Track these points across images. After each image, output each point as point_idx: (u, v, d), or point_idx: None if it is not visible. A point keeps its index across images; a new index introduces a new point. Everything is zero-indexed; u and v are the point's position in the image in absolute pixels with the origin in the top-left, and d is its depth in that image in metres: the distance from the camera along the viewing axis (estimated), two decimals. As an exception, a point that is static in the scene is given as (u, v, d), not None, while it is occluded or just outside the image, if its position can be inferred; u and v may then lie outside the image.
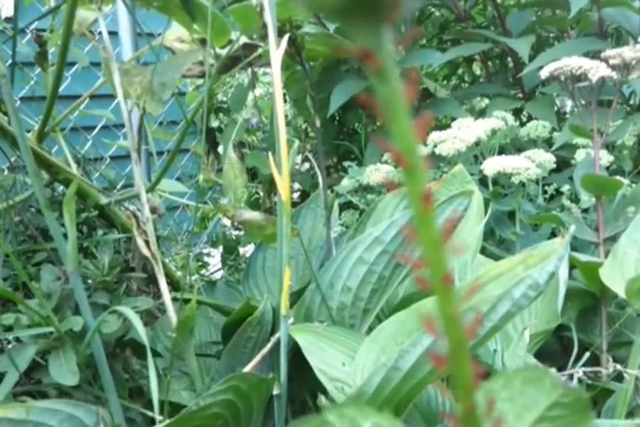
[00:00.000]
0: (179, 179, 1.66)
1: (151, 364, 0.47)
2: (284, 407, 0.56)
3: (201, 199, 1.51)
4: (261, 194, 1.58)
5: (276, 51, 0.51)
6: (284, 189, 0.52)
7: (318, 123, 0.72)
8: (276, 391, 0.56)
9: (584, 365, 0.67)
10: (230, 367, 0.58)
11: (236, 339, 0.58)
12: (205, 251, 1.52)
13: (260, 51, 0.70)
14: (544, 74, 0.80)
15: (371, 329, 0.61)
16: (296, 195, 1.67)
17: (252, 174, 1.61)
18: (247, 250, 1.45)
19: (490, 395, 0.21)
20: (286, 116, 1.73)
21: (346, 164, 1.33)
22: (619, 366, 0.57)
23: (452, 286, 0.16)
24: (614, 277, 0.72)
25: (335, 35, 0.78)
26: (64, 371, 0.54)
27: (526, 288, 0.38)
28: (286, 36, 0.53)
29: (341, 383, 0.50)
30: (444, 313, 0.16)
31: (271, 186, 1.53)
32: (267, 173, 1.43)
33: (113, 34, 0.82)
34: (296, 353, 0.58)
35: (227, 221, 1.57)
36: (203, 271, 1.42)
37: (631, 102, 1.30)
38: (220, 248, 1.49)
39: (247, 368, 0.55)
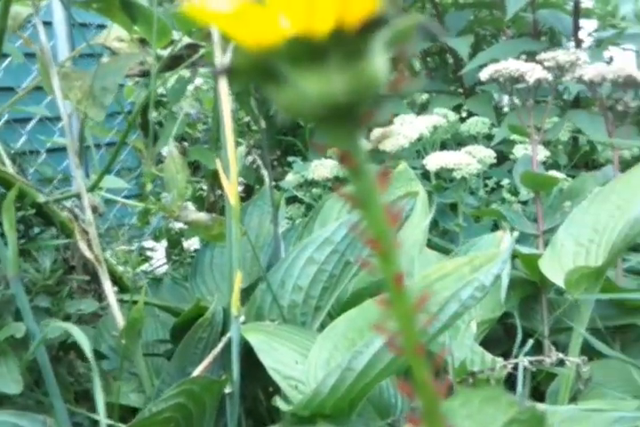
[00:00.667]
0: (118, 173, 1.63)
1: (94, 366, 0.47)
2: (236, 406, 0.56)
3: (142, 194, 1.49)
4: (205, 188, 1.57)
5: (221, 52, 0.51)
6: (232, 193, 0.52)
7: (263, 124, 0.72)
8: (228, 390, 0.56)
9: (528, 350, 0.70)
10: (181, 369, 0.58)
11: (186, 340, 0.58)
12: (148, 245, 1.50)
13: (202, 51, 0.70)
14: (484, 76, 0.83)
15: (322, 326, 0.62)
16: (240, 188, 1.67)
17: (194, 168, 1.59)
18: (192, 244, 1.44)
19: (449, 413, 0.22)
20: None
21: (290, 159, 1.34)
22: (561, 355, 0.60)
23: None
24: (553, 269, 0.76)
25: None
26: (7, 380, 0.53)
27: (473, 290, 0.40)
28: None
29: (295, 381, 0.51)
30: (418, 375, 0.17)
31: (215, 180, 1.52)
32: (211, 167, 1.42)
33: (47, 24, 0.79)
34: (247, 352, 0.59)
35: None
36: (146, 266, 1.40)
37: (565, 97, 1.35)
38: (164, 242, 1.47)
39: (198, 369, 0.55)
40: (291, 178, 1.26)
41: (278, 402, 0.47)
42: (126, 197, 1.41)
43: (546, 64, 0.80)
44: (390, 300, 0.16)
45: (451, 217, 1.16)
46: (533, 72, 0.79)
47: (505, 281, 0.77)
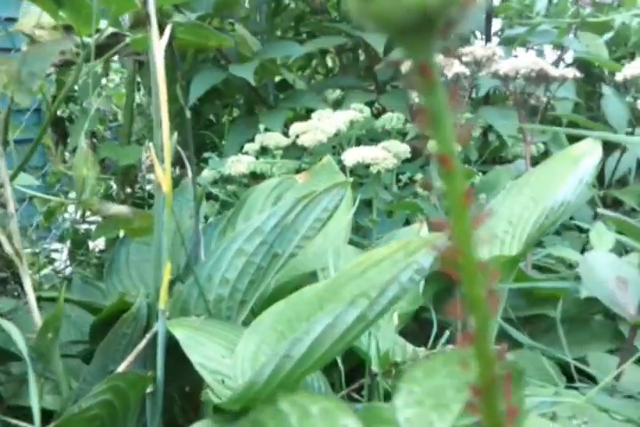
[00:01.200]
0: (24, 170, 1.54)
1: (30, 369, 0.44)
2: (160, 403, 0.54)
3: (49, 192, 1.42)
4: (115, 187, 1.51)
5: (159, 40, 0.49)
6: (166, 180, 0.50)
7: (188, 113, 0.70)
8: (150, 389, 0.54)
9: (443, 342, 0.71)
10: (103, 367, 0.55)
11: (109, 337, 0.55)
12: (52, 246, 1.43)
13: (128, 40, 0.67)
14: (404, 68, 0.84)
15: (245, 322, 0.61)
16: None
17: (103, 166, 1.54)
18: (97, 244, 1.39)
19: (432, 372, 0.22)
20: (140, 105, 1.67)
21: (206, 154, 1.31)
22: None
23: (478, 271, 0.16)
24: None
25: (205, 25, 0.77)
26: None
27: (413, 273, 0.40)
28: (169, 26, 0.51)
29: (222, 376, 0.49)
30: (472, 293, 0.16)
31: (125, 178, 1.47)
32: (122, 164, 1.37)
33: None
34: (169, 349, 0.57)
35: (77, 215, 1.48)
36: (50, 268, 1.34)
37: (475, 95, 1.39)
38: (68, 243, 1.41)
39: (122, 366, 0.52)
40: (206, 174, 1.23)
41: (210, 395, 0.45)
42: (31, 197, 1.34)
43: (464, 59, 0.82)
44: (453, 217, 0.16)
45: (365, 213, 1.17)
46: (452, 66, 0.80)
47: (424, 273, 0.78)
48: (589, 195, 1.08)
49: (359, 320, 0.39)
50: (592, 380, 0.70)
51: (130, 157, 1.34)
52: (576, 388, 0.64)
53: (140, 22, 0.82)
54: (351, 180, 0.62)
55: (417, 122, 0.15)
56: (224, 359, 0.49)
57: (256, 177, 1.25)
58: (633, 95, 1.15)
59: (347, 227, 0.68)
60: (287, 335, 0.48)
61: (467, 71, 0.82)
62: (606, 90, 1.14)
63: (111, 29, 0.63)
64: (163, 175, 0.50)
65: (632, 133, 1.13)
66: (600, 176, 1.24)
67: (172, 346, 0.55)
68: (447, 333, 0.77)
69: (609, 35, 0.97)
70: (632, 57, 1.12)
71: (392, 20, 0.15)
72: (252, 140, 1.28)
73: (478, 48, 0.82)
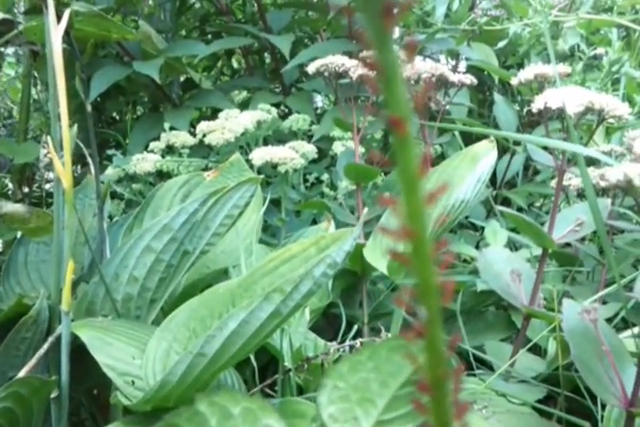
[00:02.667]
0: None
1: None
2: (66, 408, 0.52)
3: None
4: (10, 186, 1.44)
5: (56, 27, 0.47)
6: (67, 176, 0.48)
7: (89, 107, 0.68)
8: (54, 394, 0.52)
9: (352, 337, 0.73)
10: (1, 374, 0.52)
11: (7, 342, 0.52)
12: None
13: (21, 27, 0.64)
14: (311, 70, 0.85)
15: (156, 321, 0.60)
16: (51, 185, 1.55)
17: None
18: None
19: (357, 366, 0.22)
20: (37, 101, 1.60)
21: (110, 152, 1.27)
22: (390, 335, 0.63)
23: (430, 257, 0.16)
24: (376, 256, 0.79)
25: (106, 16, 0.74)
26: None
27: (326, 267, 0.41)
28: (67, 13, 0.49)
29: (132, 377, 0.48)
30: (424, 279, 0.16)
31: (22, 176, 1.40)
32: (18, 162, 1.31)
33: None
34: (74, 352, 0.55)
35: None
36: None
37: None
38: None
39: (22, 372, 0.50)
40: (110, 172, 1.19)
41: (119, 396, 0.44)
42: None
43: (368, 61, 0.84)
44: (405, 187, 0.15)
45: (274, 212, 1.18)
46: (357, 68, 0.82)
47: (332, 271, 0.80)
48: (485, 194, 1.14)
49: (273, 316, 0.39)
50: (489, 367, 0.73)
51: (26, 155, 1.28)
52: (474, 375, 0.67)
53: (35, 9, 0.79)
54: (262, 177, 0.62)
55: (369, 86, 0.15)
56: (134, 360, 0.48)
57: (162, 176, 1.23)
58: (519, 102, 1.22)
59: (257, 225, 0.69)
60: (200, 333, 0.48)
61: (370, 73, 0.84)
62: (497, 97, 1.20)
63: (2, 15, 0.60)
64: (62, 170, 0.48)
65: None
66: (492, 178, 1.30)
67: (78, 349, 0.54)
68: (355, 327, 0.79)
69: (502, 44, 1.02)
70: (520, 66, 1.19)
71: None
72: (158, 138, 1.25)
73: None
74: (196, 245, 0.57)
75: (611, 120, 0.59)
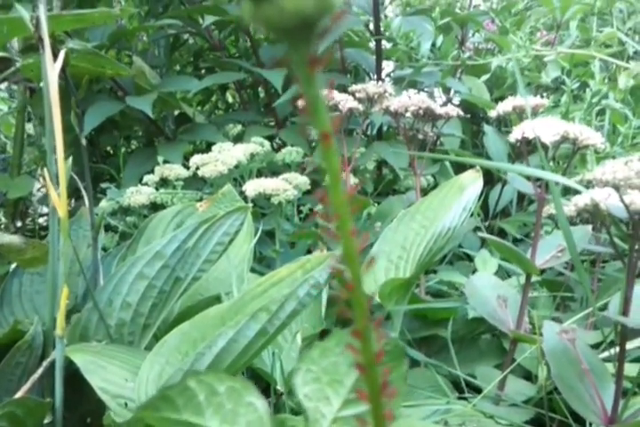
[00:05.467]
0: None
1: None
2: (59, 434, 0.53)
3: None
4: (4, 220, 1.46)
5: (53, 65, 0.49)
6: (62, 205, 0.50)
7: (84, 141, 0.70)
8: (48, 419, 0.53)
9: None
10: (-4, 398, 0.53)
11: (2, 367, 0.53)
12: None
13: (18, 65, 0.67)
14: (301, 104, 0.88)
15: (148, 347, 0.61)
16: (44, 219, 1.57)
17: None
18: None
19: (327, 351, 0.24)
20: (31, 136, 1.62)
21: (104, 185, 1.29)
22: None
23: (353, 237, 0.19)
24: (368, 283, 0.81)
25: (100, 53, 0.77)
26: None
27: (310, 287, 0.43)
28: (63, 51, 0.51)
29: (125, 399, 0.49)
30: (346, 251, 0.19)
31: (15, 210, 1.42)
32: (12, 196, 1.33)
33: None
34: (68, 379, 0.56)
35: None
36: None
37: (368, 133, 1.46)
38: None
39: (18, 394, 0.51)
40: (104, 205, 1.21)
41: (112, 416, 0.45)
42: None
43: (357, 95, 0.87)
44: (330, 187, 0.18)
45: (268, 243, 1.19)
46: (346, 102, 0.85)
47: (324, 298, 0.81)
48: (474, 224, 1.16)
49: (260, 334, 0.41)
50: (480, 393, 0.74)
51: (20, 189, 1.30)
52: (465, 398, 0.68)
53: (31, 47, 0.82)
54: (251, 205, 0.64)
55: (299, 110, 0.18)
56: (127, 383, 0.50)
57: (156, 208, 1.24)
58: (505, 131, 1.26)
59: (249, 253, 0.70)
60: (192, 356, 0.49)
61: (360, 107, 0.87)
62: (487, 128, 1.23)
63: (0, 53, 0.62)
64: (58, 200, 0.50)
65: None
66: (485, 208, 1.33)
67: (72, 377, 0.55)
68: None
69: (485, 77, 1.06)
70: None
71: (277, 24, 0.18)
72: (151, 171, 1.28)
73: (370, 86, 0.87)
74: (187, 271, 0.58)
75: (589, 150, 0.61)
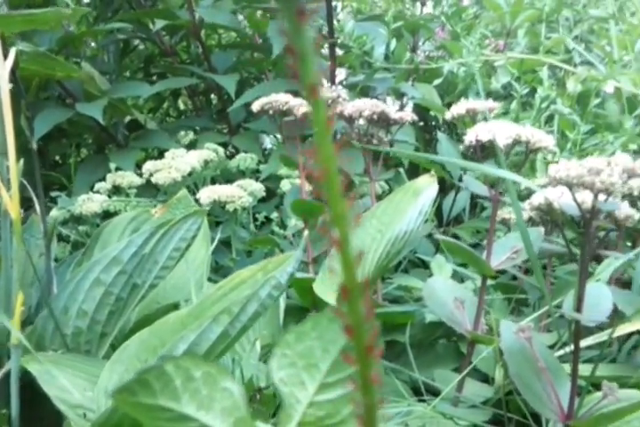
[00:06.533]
0: None
1: None
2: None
3: None
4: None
5: (3, 65, 0.48)
6: (14, 207, 0.49)
7: (35, 145, 0.69)
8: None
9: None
10: (-55, 413, 0.51)
11: (-48, 379, 0.52)
12: None
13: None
14: (255, 108, 0.88)
15: (106, 356, 0.60)
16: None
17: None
18: None
19: (302, 335, 0.24)
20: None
21: (54, 194, 1.26)
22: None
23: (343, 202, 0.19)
24: (325, 290, 0.81)
25: (51, 55, 0.76)
26: None
27: (271, 288, 0.42)
28: (12, 51, 0.50)
29: (84, 409, 0.48)
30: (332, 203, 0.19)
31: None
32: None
33: None
34: (24, 392, 0.54)
35: None
36: None
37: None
38: None
39: (-32, 410, 0.49)
40: (55, 213, 1.19)
41: (73, 426, 0.44)
42: None
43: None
44: (318, 143, 0.18)
45: (224, 252, 1.18)
46: (301, 106, 0.85)
47: (282, 307, 0.81)
48: (428, 230, 1.17)
49: (222, 337, 0.40)
50: (439, 396, 0.75)
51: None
52: (425, 401, 0.69)
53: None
54: (207, 209, 0.63)
55: (287, 62, 0.18)
56: (86, 393, 0.48)
57: (109, 216, 1.22)
58: (457, 139, 1.28)
59: (206, 260, 0.69)
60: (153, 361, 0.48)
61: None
62: (441, 136, 1.25)
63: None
64: (10, 201, 0.48)
65: (464, 174, 1.25)
66: (439, 215, 1.34)
67: (28, 386, 0.53)
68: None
69: (437, 81, 1.08)
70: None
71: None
72: (103, 179, 1.25)
73: (324, 90, 0.88)
74: (145, 278, 0.57)
75: (540, 152, 0.63)
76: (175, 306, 0.67)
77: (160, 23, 1.27)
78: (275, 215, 1.26)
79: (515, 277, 1.01)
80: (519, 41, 1.15)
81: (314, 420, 0.27)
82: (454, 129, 1.36)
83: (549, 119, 1.09)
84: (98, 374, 0.51)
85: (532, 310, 0.99)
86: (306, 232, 1.03)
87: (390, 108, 0.92)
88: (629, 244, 0.95)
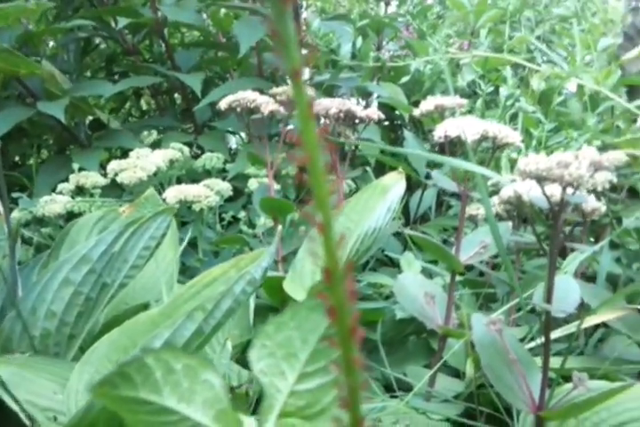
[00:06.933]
0: None
1: None
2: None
3: None
4: None
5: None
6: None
7: (-2, 145, 0.67)
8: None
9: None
10: None
11: None
12: None
13: None
14: (223, 106, 0.87)
15: (75, 359, 0.58)
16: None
17: None
18: None
19: (280, 327, 0.24)
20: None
21: (15, 195, 1.24)
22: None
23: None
24: (295, 288, 0.81)
25: (13, 51, 0.74)
26: None
27: (245, 284, 0.42)
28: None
29: (54, 412, 0.47)
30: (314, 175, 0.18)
31: None
32: None
33: None
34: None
35: None
36: None
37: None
38: None
39: None
40: (17, 215, 1.16)
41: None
42: None
43: (278, 98, 0.87)
44: (301, 123, 0.18)
45: (191, 253, 1.17)
46: (268, 104, 0.85)
47: (252, 307, 0.81)
48: (396, 228, 1.18)
49: (197, 334, 0.40)
50: (410, 392, 0.76)
51: None
52: (397, 397, 0.69)
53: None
54: (177, 206, 0.63)
55: (272, 44, 0.18)
56: (55, 395, 0.47)
57: (73, 217, 1.20)
58: (430, 140, 1.29)
59: (175, 260, 0.69)
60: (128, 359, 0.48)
61: (281, 109, 0.87)
62: (407, 134, 1.26)
63: None
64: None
65: (431, 171, 1.26)
66: (406, 213, 1.35)
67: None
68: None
69: (405, 79, 1.08)
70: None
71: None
72: (66, 180, 1.23)
73: (289, 89, 0.87)
74: (114, 277, 0.56)
75: (506, 150, 0.64)
76: (145, 306, 0.66)
77: (123, 21, 1.25)
78: (242, 215, 1.25)
79: (482, 274, 1.02)
80: (482, 41, 1.16)
81: (294, 410, 0.27)
82: (420, 127, 1.37)
83: (514, 117, 1.10)
84: (67, 376, 0.50)
85: (501, 304, 1.01)
86: (279, 227, 1.02)
87: (356, 106, 0.93)
88: (592, 239, 0.97)
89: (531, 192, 0.42)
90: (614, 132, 1.12)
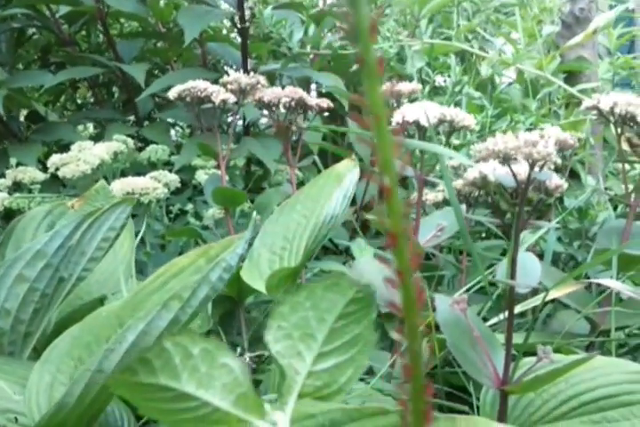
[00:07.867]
0: None
1: None
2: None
3: None
4: None
5: None
6: None
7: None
8: None
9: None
10: None
11: None
12: None
13: None
14: (172, 95, 0.85)
15: (31, 358, 0.56)
16: None
17: None
18: None
19: (297, 306, 0.24)
20: None
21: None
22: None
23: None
24: (253, 277, 0.80)
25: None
26: None
27: (222, 271, 0.41)
28: None
29: (14, 413, 0.45)
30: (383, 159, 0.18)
31: None
32: None
33: None
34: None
35: None
36: None
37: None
38: None
39: None
40: (-51, 213, 1.11)
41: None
42: None
43: (229, 87, 0.86)
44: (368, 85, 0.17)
45: (138, 247, 1.15)
46: (219, 93, 0.84)
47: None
48: (347, 215, 1.18)
49: (173, 324, 0.39)
50: (371, 375, 0.76)
51: None
52: (363, 380, 0.69)
53: None
54: (137, 197, 0.61)
55: (342, 34, 0.18)
56: (15, 396, 0.45)
57: (11, 215, 1.16)
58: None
59: (131, 250, 0.67)
60: (86, 361, 0.46)
61: (232, 98, 0.86)
62: (351, 123, 1.26)
63: None
64: None
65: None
66: (352, 201, 1.36)
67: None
68: (238, 350, 0.80)
69: (355, 67, 1.09)
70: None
71: None
72: (2, 176, 1.19)
73: (243, 77, 0.86)
74: (72, 271, 0.54)
75: (465, 130, 0.65)
76: (101, 301, 0.64)
77: (64, 9, 1.20)
78: (189, 207, 1.23)
79: (428, 257, 1.04)
80: (422, 30, 1.18)
81: (312, 390, 0.27)
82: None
83: (457, 104, 1.12)
84: (25, 375, 0.48)
85: (447, 287, 1.03)
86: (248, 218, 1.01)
87: (307, 95, 0.92)
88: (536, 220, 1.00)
89: (496, 172, 0.43)
90: (553, 116, 1.16)
